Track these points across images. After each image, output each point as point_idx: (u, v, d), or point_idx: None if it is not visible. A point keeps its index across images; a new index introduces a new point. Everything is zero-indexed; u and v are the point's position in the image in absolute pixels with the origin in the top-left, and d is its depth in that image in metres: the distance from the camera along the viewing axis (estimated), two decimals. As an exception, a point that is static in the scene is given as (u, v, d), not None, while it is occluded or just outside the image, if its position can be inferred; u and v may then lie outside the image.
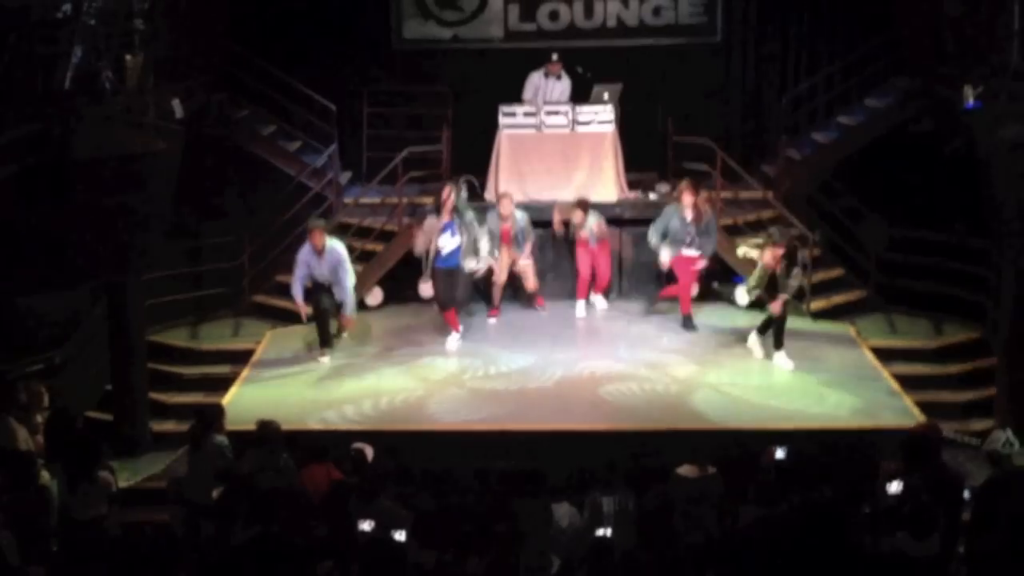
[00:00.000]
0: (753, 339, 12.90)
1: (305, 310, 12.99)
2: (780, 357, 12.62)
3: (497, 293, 14.22)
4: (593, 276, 14.36)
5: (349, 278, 12.84)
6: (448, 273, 13.12)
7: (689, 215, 13.36)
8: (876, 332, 13.73)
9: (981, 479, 8.94)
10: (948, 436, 10.23)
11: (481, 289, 14.48)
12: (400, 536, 7.73)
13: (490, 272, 13.91)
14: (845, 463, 9.36)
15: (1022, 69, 11.37)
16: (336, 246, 12.87)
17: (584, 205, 14.00)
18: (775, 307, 12.46)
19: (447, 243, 12.98)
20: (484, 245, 13.31)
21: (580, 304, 14.35)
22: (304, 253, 12.83)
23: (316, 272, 12.82)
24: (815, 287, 14.15)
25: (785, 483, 8.75)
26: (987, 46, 12.24)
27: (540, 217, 14.33)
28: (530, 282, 14.26)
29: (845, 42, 16.07)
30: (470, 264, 13.20)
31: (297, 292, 12.91)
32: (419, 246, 13.17)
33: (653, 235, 13.57)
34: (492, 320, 14.16)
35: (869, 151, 15.24)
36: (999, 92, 11.57)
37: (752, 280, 12.76)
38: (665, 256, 13.53)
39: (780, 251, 12.35)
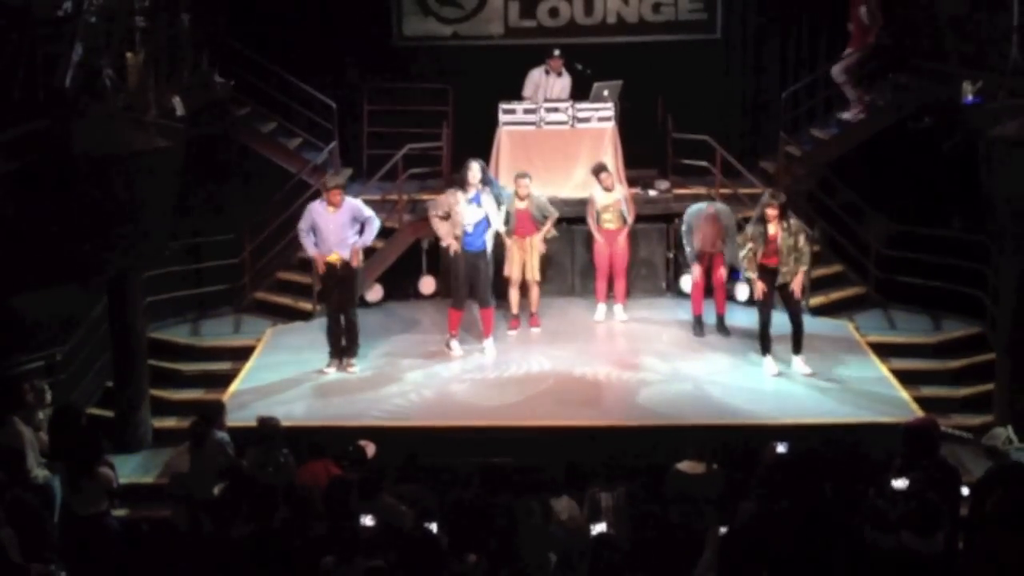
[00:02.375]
0: (768, 361, 12.38)
1: (322, 260, 12.42)
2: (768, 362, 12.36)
3: (514, 295, 13.54)
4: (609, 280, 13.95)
5: (374, 222, 12.45)
6: (474, 261, 12.71)
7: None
8: (875, 328, 13.75)
9: (978, 474, 8.98)
10: (946, 431, 10.24)
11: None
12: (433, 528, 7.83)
13: (500, 272, 13.41)
14: (844, 459, 9.39)
15: (1021, 65, 11.38)
16: (352, 199, 12.50)
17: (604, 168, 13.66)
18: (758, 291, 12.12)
19: (472, 215, 12.62)
20: (499, 217, 12.89)
21: (601, 307, 13.96)
22: (313, 207, 12.44)
23: (324, 227, 12.28)
24: (814, 283, 14.12)
25: (786, 479, 8.77)
26: (986, 42, 12.26)
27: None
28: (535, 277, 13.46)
29: (844, 38, 16.09)
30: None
31: (308, 243, 12.48)
32: (437, 222, 12.77)
33: (687, 243, 13.23)
34: (512, 333, 13.52)
35: (868, 147, 15.25)
36: (998, 88, 11.58)
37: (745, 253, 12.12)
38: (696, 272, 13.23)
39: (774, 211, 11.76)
